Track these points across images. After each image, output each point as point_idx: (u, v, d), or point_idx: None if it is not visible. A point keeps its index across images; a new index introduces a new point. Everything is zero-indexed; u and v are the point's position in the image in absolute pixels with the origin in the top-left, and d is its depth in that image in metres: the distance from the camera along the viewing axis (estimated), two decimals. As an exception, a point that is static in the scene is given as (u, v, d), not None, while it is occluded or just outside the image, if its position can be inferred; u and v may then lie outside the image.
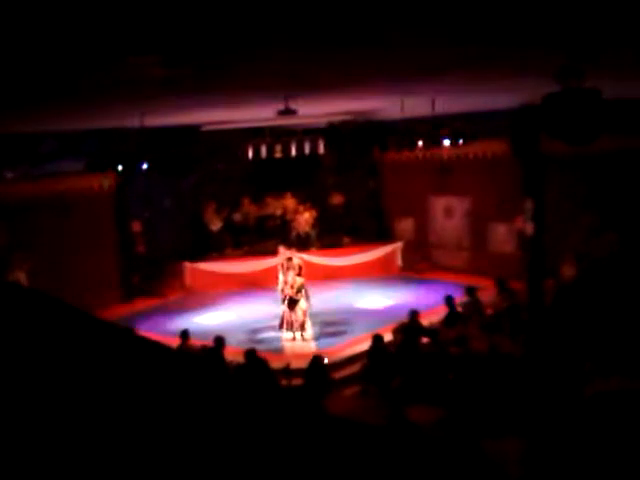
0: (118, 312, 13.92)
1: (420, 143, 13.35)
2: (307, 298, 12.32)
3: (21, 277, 12.35)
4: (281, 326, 12.23)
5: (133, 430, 1.46)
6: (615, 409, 6.44)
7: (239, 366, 9.32)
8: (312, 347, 11.75)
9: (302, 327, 12.15)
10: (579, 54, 5.57)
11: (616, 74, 7.55)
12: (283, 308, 12.32)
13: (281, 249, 13.93)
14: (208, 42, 4.32)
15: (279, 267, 12.94)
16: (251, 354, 9.27)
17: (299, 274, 12.44)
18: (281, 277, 12.63)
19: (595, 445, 5.79)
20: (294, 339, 12.07)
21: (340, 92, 8.87)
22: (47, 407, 1.51)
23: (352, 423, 1.63)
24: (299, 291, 12.14)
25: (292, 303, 12.06)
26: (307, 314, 12.32)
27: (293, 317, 12.07)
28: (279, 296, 12.60)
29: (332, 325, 12.81)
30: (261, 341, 12.20)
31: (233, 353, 10.10)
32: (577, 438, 6.11)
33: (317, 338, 12.17)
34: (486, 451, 5.63)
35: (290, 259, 12.83)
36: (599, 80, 6.05)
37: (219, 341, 9.65)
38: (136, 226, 16.04)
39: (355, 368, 10.49)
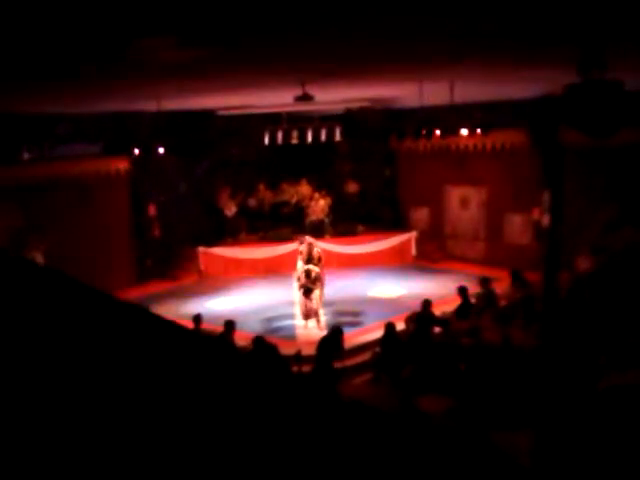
0: (131, 295, 14.01)
1: (438, 132, 13.27)
2: (322, 287, 12.26)
3: (38, 258, 12.45)
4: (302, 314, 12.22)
5: (146, 407, 1.46)
6: (630, 403, 6.39)
7: (248, 352, 9.33)
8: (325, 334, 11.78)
9: (317, 315, 12.12)
10: (595, 45, 5.47)
11: (638, 65, 7.42)
12: (298, 296, 12.28)
13: (302, 238, 13.74)
14: (225, 25, 4.28)
15: (299, 255, 12.83)
16: (259, 340, 9.27)
17: (318, 264, 12.37)
18: (300, 265, 12.56)
19: (608, 439, 5.75)
20: (306, 327, 12.06)
21: (357, 77, 8.80)
22: (62, 382, 1.51)
23: (363, 406, 1.61)
24: (316, 280, 12.07)
25: (308, 292, 11.99)
26: (321, 303, 12.28)
27: (308, 305, 12.02)
28: (295, 283, 12.54)
29: (345, 313, 12.80)
30: (273, 327, 12.23)
31: (245, 339, 10.13)
32: (589, 431, 6.07)
33: (330, 326, 12.16)
34: (497, 443, 5.61)
35: (311, 248, 12.71)
36: (621, 71, 5.94)
37: (229, 325, 9.66)
38: (151, 210, 16.10)
39: (367, 356, 10.50)
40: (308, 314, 12.03)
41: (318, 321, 12.09)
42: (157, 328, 1.90)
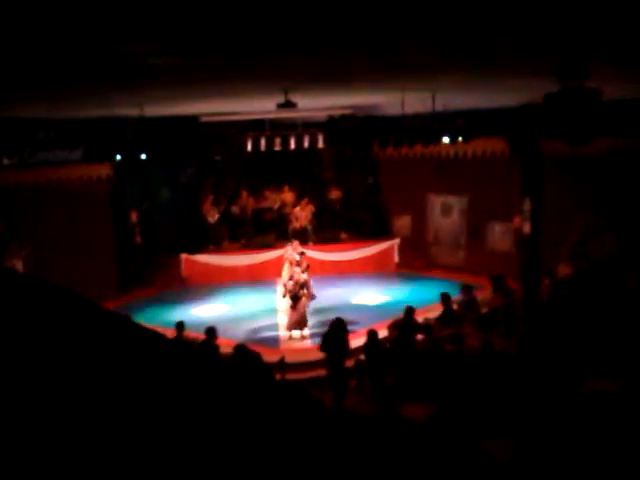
0: (113, 302, 13.89)
1: (419, 140, 13.36)
2: (308, 296, 12.06)
3: (18, 266, 12.30)
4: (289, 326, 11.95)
5: (130, 419, 1.45)
6: (606, 410, 6.46)
7: (230, 360, 9.25)
8: (308, 342, 11.74)
9: (302, 324, 11.90)
10: (576, 54, 5.56)
11: (615, 75, 7.54)
12: (284, 304, 12.07)
13: (291, 245, 13.35)
14: (209, 34, 4.29)
15: (286, 262, 12.64)
16: (241, 348, 9.19)
17: (305, 271, 12.18)
18: (285, 272, 12.36)
19: (590, 444, 5.80)
20: (291, 337, 11.89)
21: (340, 85, 8.84)
22: (42, 390, 1.50)
23: (345, 412, 1.62)
24: (302, 288, 11.88)
25: (296, 300, 11.78)
26: (307, 311, 12.10)
27: (294, 314, 11.79)
28: (280, 290, 12.38)
29: (328, 320, 12.75)
30: (257, 334, 12.18)
31: (229, 346, 10.07)
32: (571, 436, 6.12)
33: (313, 334, 12.08)
34: (480, 449, 5.63)
35: (300, 255, 12.52)
36: (601, 81, 6.04)
37: (210, 333, 9.58)
38: (133, 216, 16.01)
39: (350, 363, 10.49)
40: (294, 323, 11.85)
41: (302, 330, 11.96)
42: (137, 336, 1.90)
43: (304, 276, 12.06)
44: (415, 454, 1.51)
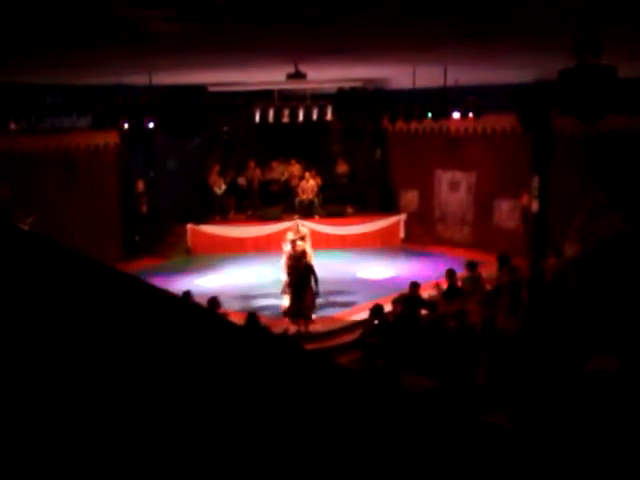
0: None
1: (429, 115, 13.24)
2: (316, 281, 10.89)
3: (24, 231, 12.32)
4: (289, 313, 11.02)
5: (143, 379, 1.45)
6: (612, 387, 6.48)
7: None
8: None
9: (308, 314, 10.98)
10: (591, 29, 5.46)
11: (631, 51, 7.42)
12: (287, 293, 11.05)
13: (295, 225, 12.47)
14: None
15: (287, 244, 11.58)
16: (252, 317, 9.23)
17: (305, 255, 11.08)
18: (284, 257, 11.44)
19: (590, 422, 5.83)
20: (298, 325, 10.93)
21: (351, 56, 8.73)
22: (52, 349, 1.50)
23: (357, 373, 1.62)
24: (306, 273, 10.84)
25: (299, 288, 10.83)
26: (315, 300, 10.99)
27: (299, 303, 10.82)
28: (283, 278, 11.36)
29: (333, 293, 12.80)
30: (261, 306, 12.21)
31: (232, 317, 10.11)
32: (572, 414, 6.15)
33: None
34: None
35: (301, 238, 11.50)
36: (617, 58, 5.94)
37: (213, 302, 9.60)
38: (140, 185, 15.99)
39: (354, 336, 10.56)
40: (299, 313, 10.94)
41: (307, 321, 10.98)
42: (144, 293, 1.90)
43: (307, 261, 10.96)
44: (416, 417, 1.51)
